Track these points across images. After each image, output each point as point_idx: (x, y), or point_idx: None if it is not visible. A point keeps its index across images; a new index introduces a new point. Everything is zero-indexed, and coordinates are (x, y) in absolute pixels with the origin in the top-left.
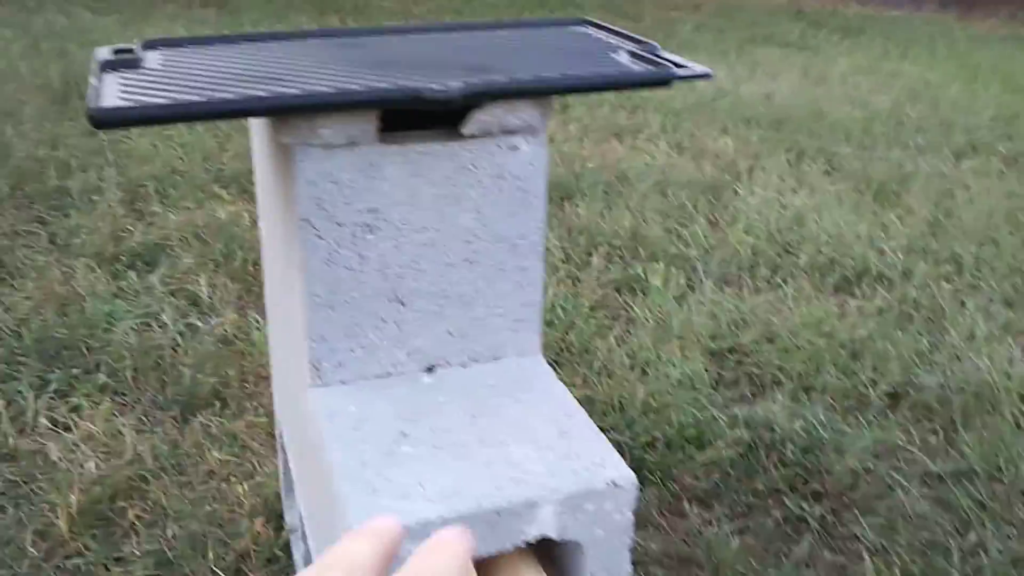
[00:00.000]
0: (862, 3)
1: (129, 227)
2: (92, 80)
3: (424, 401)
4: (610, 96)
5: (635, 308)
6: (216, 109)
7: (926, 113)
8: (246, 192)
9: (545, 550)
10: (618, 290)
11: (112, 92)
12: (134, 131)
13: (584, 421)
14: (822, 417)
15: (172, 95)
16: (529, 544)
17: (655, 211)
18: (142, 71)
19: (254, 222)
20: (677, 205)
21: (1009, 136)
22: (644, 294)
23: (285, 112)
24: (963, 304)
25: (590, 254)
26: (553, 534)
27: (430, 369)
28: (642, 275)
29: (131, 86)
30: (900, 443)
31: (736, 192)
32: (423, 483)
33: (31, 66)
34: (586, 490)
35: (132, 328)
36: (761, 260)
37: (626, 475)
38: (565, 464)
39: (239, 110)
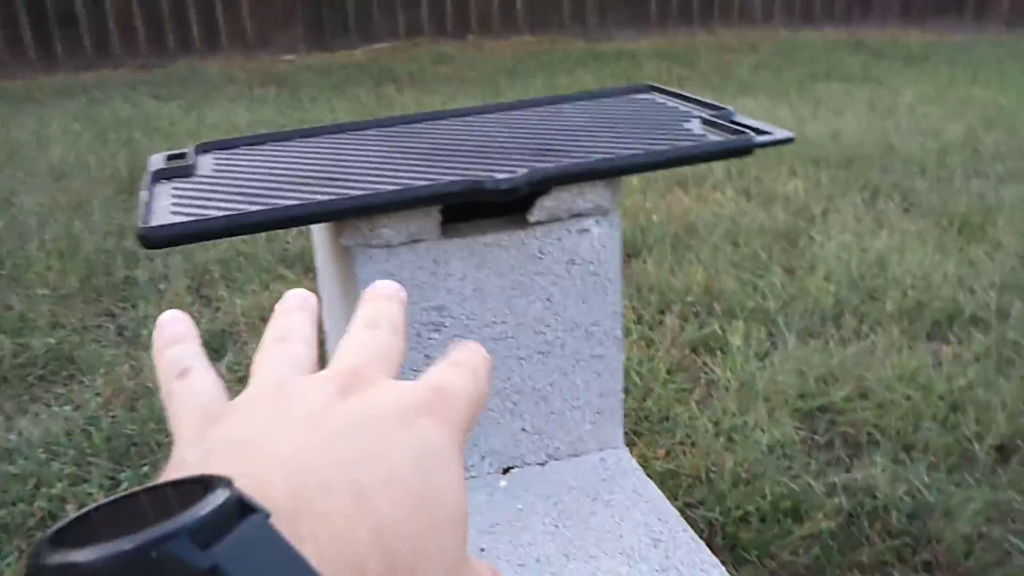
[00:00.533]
0: (923, 30)
1: (196, 314)
2: (143, 194)
3: (502, 510)
4: None
5: (715, 369)
6: (271, 219)
7: (1003, 139)
8: (310, 271)
9: None
10: (695, 350)
11: (164, 206)
12: None
13: (679, 525)
14: (926, 479)
15: (227, 205)
16: None
17: (728, 263)
18: (195, 179)
19: (319, 302)
20: (750, 255)
21: None
22: (724, 353)
23: (344, 216)
24: None
25: (663, 312)
26: None
27: (507, 470)
28: (720, 333)
29: (184, 197)
30: (1016, 503)
31: (812, 238)
32: None
33: (99, 158)
34: None
35: None
36: (845, 309)
37: None
38: None
39: (296, 218)
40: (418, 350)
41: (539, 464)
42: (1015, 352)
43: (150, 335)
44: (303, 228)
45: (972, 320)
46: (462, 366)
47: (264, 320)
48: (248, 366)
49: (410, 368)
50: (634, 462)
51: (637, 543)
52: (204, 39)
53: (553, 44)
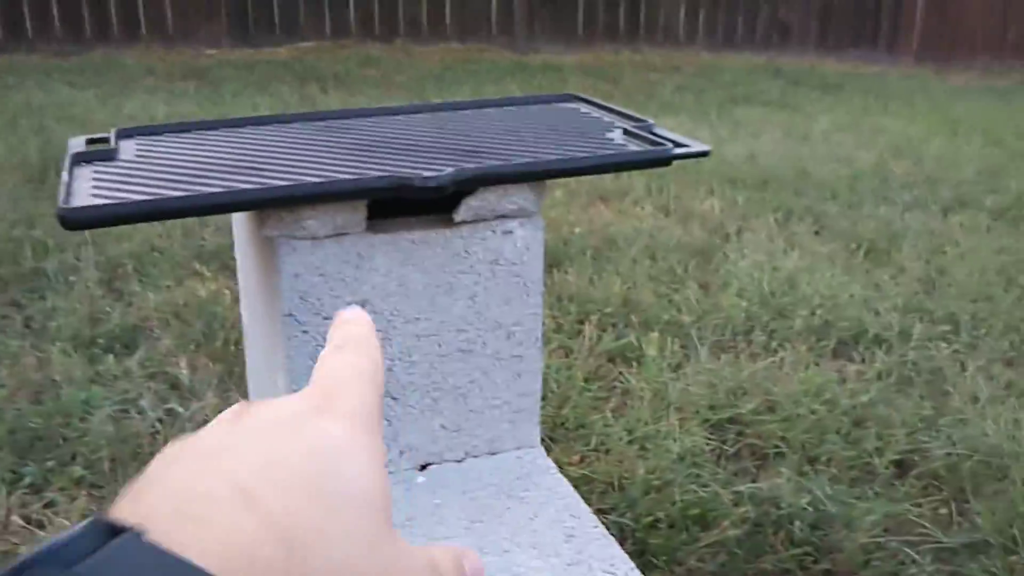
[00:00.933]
0: (839, 59)
1: (107, 308)
2: (63, 175)
3: (419, 504)
4: None
5: (631, 379)
6: (195, 205)
7: (911, 169)
8: (227, 268)
9: None
10: (612, 360)
11: (84, 188)
12: None
13: (590, 521)
14: (829, 490)
15: (149, 190)
16: None
17: (646, 276)
18: (117, 163)
19: (235, 299)
20: (667, 269)
21: (994, 190)
22: (639, 364)
23: (269, 206)
24: (963, 365)
25: (582, 323)
26: None
27: (424, 467)
28: (636, 344)
29: (105, 180)
30: (911, 516)
31: (726, 255)
32: None
33: (8, 144)
34: None
35: (110, 415)
36: (756, 325)
37: None
38: (573, 572)
39: (220, 205)
40: None
41: (456, 461)
42: (915, 372)
43: (58, 328)
44: (221, 224)
45: (875, 340)
46: (347, 347)
47: (179, 316)
48: (160, 362)
49: None
50: (550, 461)
51: (551, 538)
52: (123, 28)
53: (481, 53)
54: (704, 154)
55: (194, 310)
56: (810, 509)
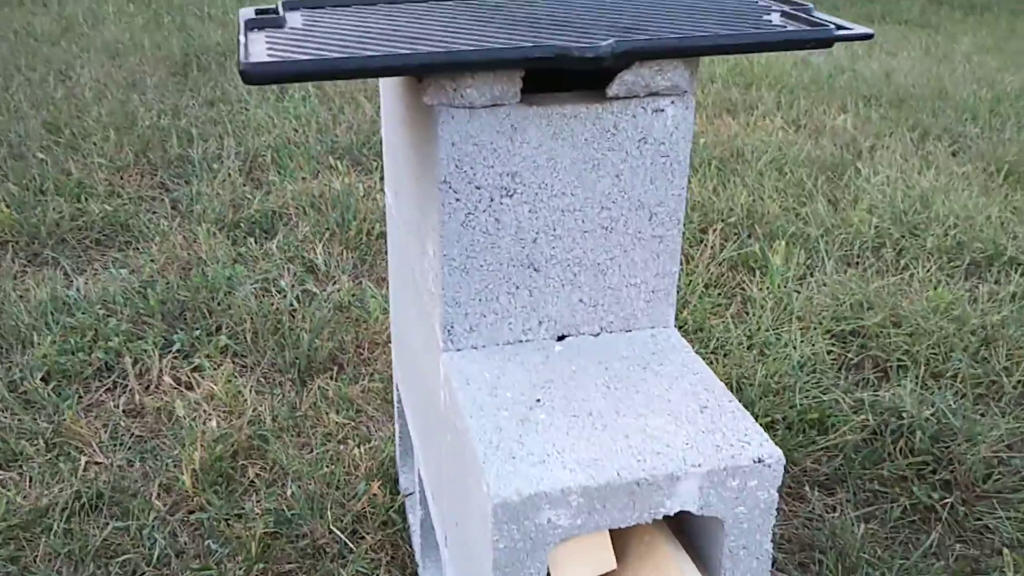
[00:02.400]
0: None
1: (248, 195)
2: (240, 38)
3: (558, 369)
4: (723, 70)
5: (752, 287)
6: (366, 66)
7: None
8: (359, 164)
9: (679, 523)
10: (734, 268)
11: (260, 50)
12: (251, 102)
13: (725, 395)
14: (952, 404)
15: (319, 52)
16: (666, 517)
17: (772, 189)
18: (287, 30)
19: (368, 193)
20: (795, 183)
21: None
22: (762, 273)
23: (433, 71)
24: None
25: (704, 231)
26: (694, 509)
27: (561, 338)
28: (759, 253)
29: (278, 44)
30: None
31: (858, 171)
32: (561, 451)
33: (153, 39)
34: (731, 466)
35: (252, 293)
36: (886, 241)
37: (773, 452)
38: (708, 439)
39: (388, 67)
40: (489, 213)
41: (592, 335)
42: None
43: (203, 211)
44: (353, 122)
45: (1011, 262)
46: None
47: (314, 206)
48: (297, 246)
49: (480, 231)
50: (684, 340)
51: (685, 408)
52: None
53: None
54: (868, 36)
55: (328, 201)
56: (932, 421)
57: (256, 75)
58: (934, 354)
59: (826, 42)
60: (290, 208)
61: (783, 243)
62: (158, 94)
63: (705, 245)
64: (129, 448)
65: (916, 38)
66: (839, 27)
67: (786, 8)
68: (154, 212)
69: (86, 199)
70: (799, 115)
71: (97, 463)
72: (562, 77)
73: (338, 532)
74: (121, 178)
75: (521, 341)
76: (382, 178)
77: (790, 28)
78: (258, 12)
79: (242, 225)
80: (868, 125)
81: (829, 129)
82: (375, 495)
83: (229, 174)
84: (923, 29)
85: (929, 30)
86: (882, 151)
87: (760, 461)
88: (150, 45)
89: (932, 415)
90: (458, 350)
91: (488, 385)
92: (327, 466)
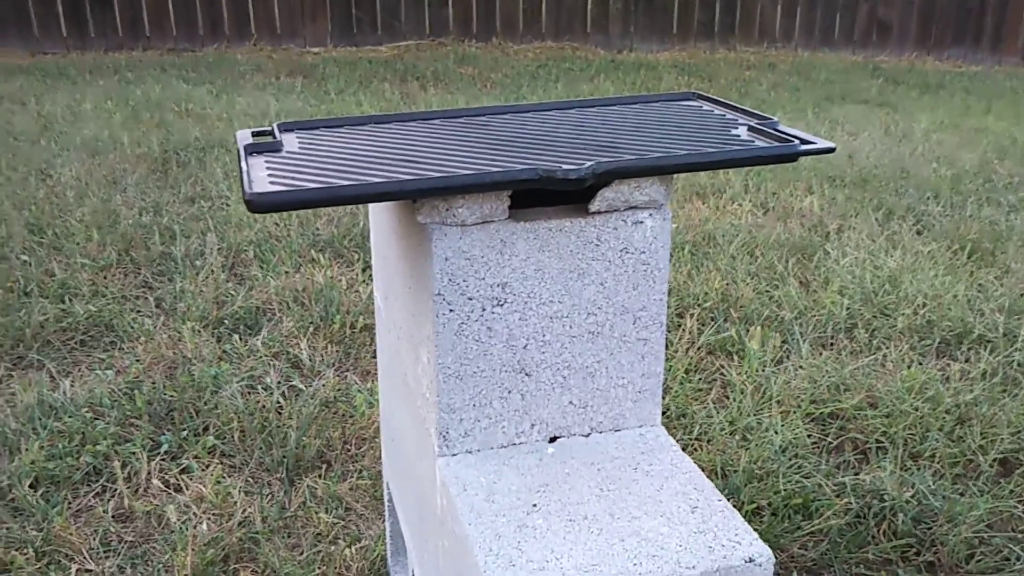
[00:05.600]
0: (940, 58)
1: (231, 292)
2: (242, 164)
3: (552, 472)
4: None
5: (731, 372)
6: (366, 192)
7: (1016, 169)
8: (341, 256)
9: None
10: (712, 353)
11: (261, 176)
12: (232, 198)
13: (714, 494)
14: (932, 485)
15: (320, 178)
16: None
17: (744, 272)
18: (284, 154)
19: (350, 285)
20: (767, 266)
21: None
22: (740, 357)
23: (429, 194)
24: None
25: (681, 316)
26: None
27: (553, 439)
28: (736, 338)
29: (278, 170)
30: (1016, 512)
31: (827, 252)
32: (559, 556)
33: (132, 136)
34: (724, 567)
35: (238, 391)
36: (858, 322)
37: (763, 551)
38: (700, 540)
39: (386, 193)
40: (481, 322)
41: (583, 435)
42: (1021, 372)
43: (187, 309)
44: (333, 215)
45: (980, 340)
46: None
47: (296, 300)
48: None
49: (473, 339)
50: (671, 439)
51: (676, 509)
52: (234, 27)
53: (575, 51)
54: (830, 150)
55: (312, 295)
56: (913, 502)
57: (263, 205)
58: (911, 434)
59: (791, 157)
60: (274, 303)
61: (759, 327)
62: (139, 191)
63: (683, 330)
64: (120, 555)
65: (876, 117)
66: (803, 141)
67: (752, 123)
68: (138, 311)
69: (70, 300)
70: (767, 197)
71: (88, 571)
72: (548, 192)
73: None
74: (104, 277)
75: (515, 444)
76: (364, 270)
77: (758, 144)
78: (255, 135)
79: (226, 322)
80: (834, 206)
81: (797, 211)
82: None
83: (212, 271)
84: (882, 108)
85: (888, 108)
86: (849, 232)
87: (751, 561)
88: (129, 142)
89: (913, 496)
90: (453, 455)
91: (485, 491)
92: (319, 567)
